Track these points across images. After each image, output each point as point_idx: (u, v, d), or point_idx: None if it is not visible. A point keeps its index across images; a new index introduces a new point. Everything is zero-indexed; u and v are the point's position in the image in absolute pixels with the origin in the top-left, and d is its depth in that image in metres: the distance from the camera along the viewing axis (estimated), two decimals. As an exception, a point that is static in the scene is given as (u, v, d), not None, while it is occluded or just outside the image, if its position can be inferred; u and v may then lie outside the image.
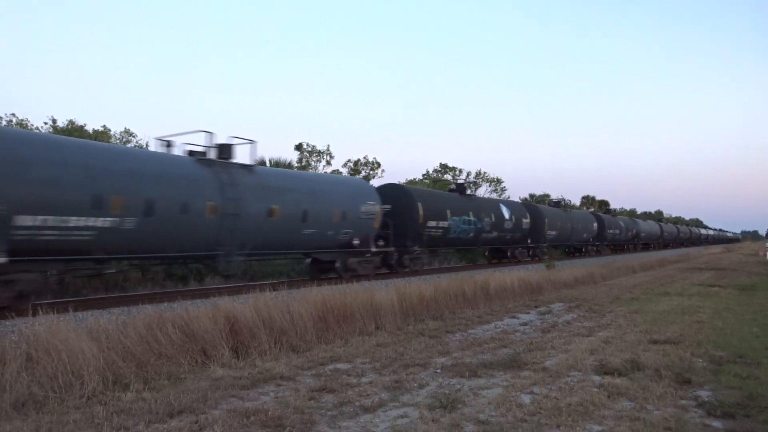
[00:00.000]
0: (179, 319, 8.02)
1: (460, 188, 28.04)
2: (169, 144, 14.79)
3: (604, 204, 71.42)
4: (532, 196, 59.77)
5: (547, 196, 57.47)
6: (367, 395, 6.30)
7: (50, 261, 11.46)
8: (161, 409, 5.62)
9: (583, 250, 43.78)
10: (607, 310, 13.74)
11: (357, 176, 36.07)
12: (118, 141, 28.03)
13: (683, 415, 5.67)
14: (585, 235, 41.95)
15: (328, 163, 35.58)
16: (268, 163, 29.99)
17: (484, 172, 47.61)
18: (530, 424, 5.36)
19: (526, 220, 31.48)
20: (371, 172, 37.56)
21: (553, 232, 35.18)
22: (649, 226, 64.63)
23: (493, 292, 15.12)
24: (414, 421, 5.44)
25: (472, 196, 29.39)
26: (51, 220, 11.08)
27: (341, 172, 35.51)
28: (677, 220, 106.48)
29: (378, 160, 38.06)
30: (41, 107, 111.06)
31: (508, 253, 31.64)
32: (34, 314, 7.76)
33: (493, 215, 27.61)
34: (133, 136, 29.58)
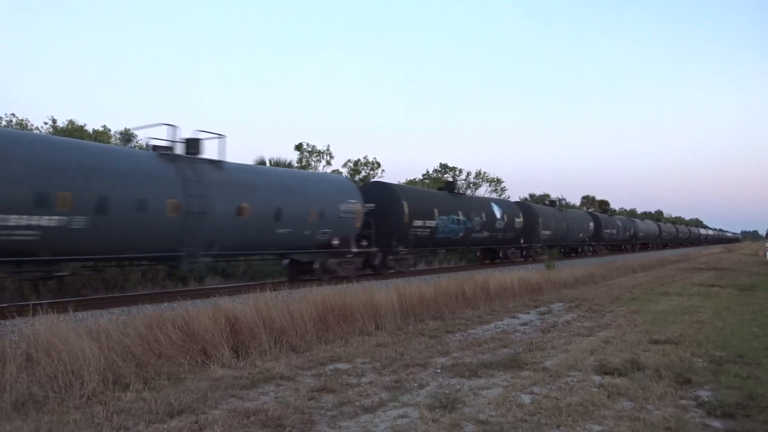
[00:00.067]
0: (179, 319, 8.03)
1: (450, 186, 27.13)
2: (129, 138, 14.09)
3: (604, 204, 71.33)
4: (532, 196, 59.78)
5: (547, 196, 57.51)
6: (367, 395, 6.30)
7: None
8: (161, 409, 5.62)
9: (579, 250, 42.84)
10: (607, 310, 13.75)
11: (356, 176, 36.06)
12: (117, 141, 28.02)
13: (683, 415, 5.67)
14: (581, 235, 41.06)
15: (328, 163, 35.54)
16: (268, 163, 29.96)
17: (484, 172, 47.54)
18: (530, 424, 5.36)
19: (519, 220, 30.51)
20: (371, 172, 37.49)
21: (548, 232, 34.18)
22: (647, 226, 64.23)
23: (493, 292, 15.14)
24: (414, 421, 5.44)
25: (462, 195, 28.53)
26: None
27: (341, 172, 35.42)
28: (677, 220, 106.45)
29: (378, 160, 38.02)
30: (41, 107, 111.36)
31: (500, 254, 30.52)
32: (34, 314, 7.75)
33: (483, 214, 26.60)
34: (133, 136, 29.62)
